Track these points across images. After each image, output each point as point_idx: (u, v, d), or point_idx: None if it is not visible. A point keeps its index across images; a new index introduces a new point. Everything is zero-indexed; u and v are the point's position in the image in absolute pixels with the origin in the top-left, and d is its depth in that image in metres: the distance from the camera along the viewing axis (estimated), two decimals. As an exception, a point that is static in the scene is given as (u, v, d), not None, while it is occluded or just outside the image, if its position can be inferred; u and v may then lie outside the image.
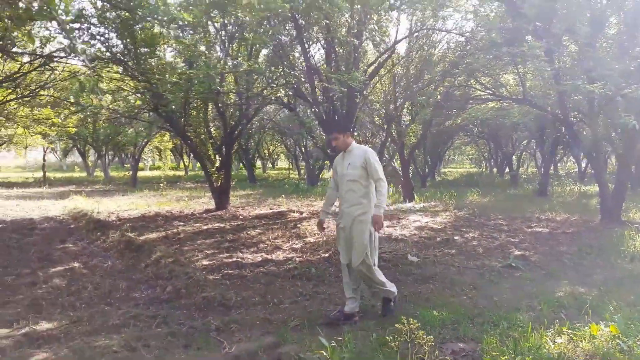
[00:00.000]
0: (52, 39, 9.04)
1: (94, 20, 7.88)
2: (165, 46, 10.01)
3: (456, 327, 3.93)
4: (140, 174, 26.62)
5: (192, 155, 35.53)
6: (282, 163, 54.46)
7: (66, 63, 8.98)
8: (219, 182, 12.23)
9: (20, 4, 4.95)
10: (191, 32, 9.74)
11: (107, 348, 3.64)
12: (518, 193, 17.43)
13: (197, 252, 7.35)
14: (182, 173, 32.40)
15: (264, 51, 10.95)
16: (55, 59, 7.69)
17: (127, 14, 6.91)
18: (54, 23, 6.74)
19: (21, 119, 12.52)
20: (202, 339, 3.88)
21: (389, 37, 6.94)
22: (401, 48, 7.03)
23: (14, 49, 7.35)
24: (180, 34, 9.97)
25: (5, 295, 5.10)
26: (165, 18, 5.34)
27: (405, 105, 7.31)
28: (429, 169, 23.31)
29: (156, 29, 8.57)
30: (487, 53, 7.63)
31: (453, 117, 11.77)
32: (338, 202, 4.52)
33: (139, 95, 9.93)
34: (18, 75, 8.66)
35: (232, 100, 10.35)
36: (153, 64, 7.66)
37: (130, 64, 8.86)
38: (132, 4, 5.27)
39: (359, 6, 5.71)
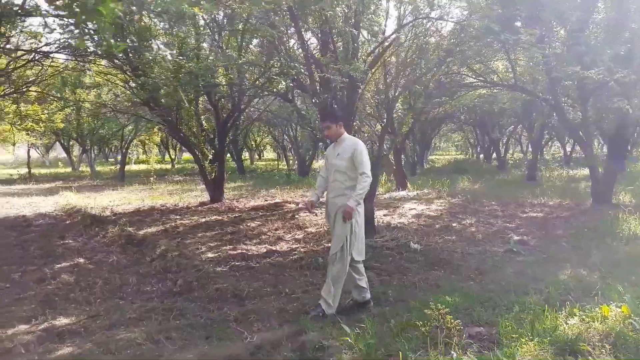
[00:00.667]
0: (40, 35, 8.90)
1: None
2: (156, 39, 9.90)
3: (470, 312, 4.03)
4: (126, 168, 26.33)
5: (178, 148, 35.27)
6: (268, 154, 54.30)
7: (54, 58, 8.79)
8: (213, 175, 12.19)
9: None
10: (182, 24, 9.66)
11: (130, 341, 3.67)
12: (507, 179, 17.69)
13: (200, 245, 7.36)
14: (168, 166, 32.12)
15: (255, 41, 10.94)
16: (46, 55, 7.52)
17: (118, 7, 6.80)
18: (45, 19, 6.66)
19: (7, 116, 12.28)
20: (222, 329, 3.93)
21: (385, 27, 6.99)
22: (398, 37, 7.07)
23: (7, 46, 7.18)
24: (168, 27, 9.88)
25: (16, 292, 5.08)
26: (158, 9, 5.28)
27: (401, 95, 7.37)
28: (417, 157, 23.49)
29: (146, 21, 8.46)
30: (481, 40, 7.71)
31: (443, 104, 11.87)
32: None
33: (128, 89, 9.81)
34: (9, 71, 8.48)
35: (225, 92, 10.29)
36: (148, 57, 7.56)
37: (119, 58, 8.73)
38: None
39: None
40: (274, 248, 6.95)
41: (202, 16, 10.49)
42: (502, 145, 25.71)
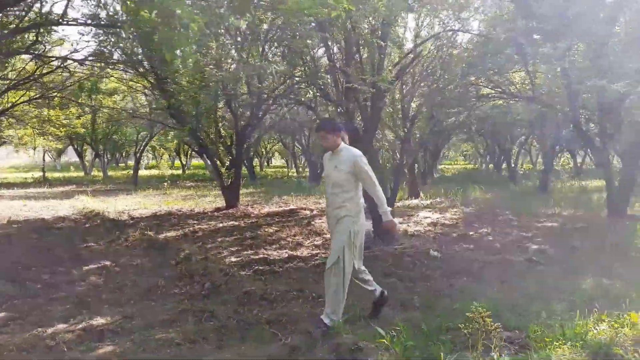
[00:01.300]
0: (61, 42, 9.10)
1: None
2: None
3: (498, 318, 4.09)
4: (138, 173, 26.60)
5: (189, 154, 35.54)
6: (276, 161, 54.56)
7: (88, 66, 9.02)
8: (229, 181, 12.34)
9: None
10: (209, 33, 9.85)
11: (168, 341, 3.78)
12: (519, 189, 17.72)
13: (221, 249, 7.48)
14: (179, 172, 32.38)
15: (275, 50, 11.11)
16: (79, 61, 7.73)
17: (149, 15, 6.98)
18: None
19: (31, 120, 12.54)
20: (255, 331, 4.03)
21: (412, 39, 7.10)
22: (422, 48, 7.19)
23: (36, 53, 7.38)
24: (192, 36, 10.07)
25: (49, 293, 5.21)
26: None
27: (423, 105, 7.47)
28: (428, 166, 23.55)
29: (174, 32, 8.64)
30: (504, 53, 7.83)
31: (460, 115, 11.99)
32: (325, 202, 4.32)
33: (151, 97, 10.02)
34: (37, 76, 8.69)
35: (248, 101, 10.47)
36: (178, 67, 7.72)
37: (144, 66, 8.89)
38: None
39: (383, 9, 5.85)
40: (295, 253, 7.06)
41: (226, 25, 10.72)
42: (513, 156, 25.69)
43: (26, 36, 6.47)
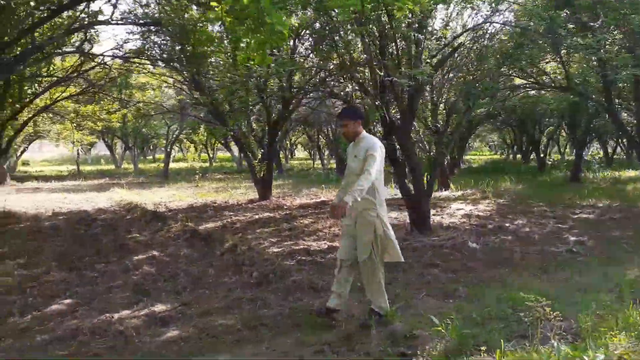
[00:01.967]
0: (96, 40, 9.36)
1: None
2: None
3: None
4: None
5: (216, 147, 36.03)
6: (299, 153, 54.78)
7: (132, 62, 9.32)
8: (262, 174, 12.56)
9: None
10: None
11: (229, 327, 3.98)
12: (550, 180, 17.52)
13: (261, 240, 7.68)
14: (206, 165, 32.86)
15: (306, 44, 11.24)
16: (125, 58, 8.02)
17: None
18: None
19: (69, 115, 12.99)
20: (309, 319, 4.19)
21: (451, 31, 7.13)
22: (460, 40, 7.22)
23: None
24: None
25: (106, 281, 5.48)
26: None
27: (460, 97, 7.50)
28: (455, 157, 23.39)
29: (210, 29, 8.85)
30: (537, 43, 7.78)
31: (490, 106, 11.92)
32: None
33: (188, 92, 10.27)
34: (80, 72, 9.03)
35: (277, 94, 10.65)
36: (212, 64, 7.93)
37: (181, 64, 9.08)
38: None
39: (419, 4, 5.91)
40: (333, 244, 7.20)
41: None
42: (542, 146, 25.32)
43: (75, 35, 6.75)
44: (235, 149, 30.45)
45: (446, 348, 3.33)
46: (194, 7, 7.07)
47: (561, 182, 16.65)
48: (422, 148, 7.33)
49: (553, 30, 6.44)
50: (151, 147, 38.22)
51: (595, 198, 11.64)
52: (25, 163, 28.37)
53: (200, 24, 6.77)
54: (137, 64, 9.60)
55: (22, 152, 22.42)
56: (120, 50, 8.26)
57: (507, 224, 8.65)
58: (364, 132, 4.06)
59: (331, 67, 8.45)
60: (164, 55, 8.68)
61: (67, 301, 4.75)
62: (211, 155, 32.80)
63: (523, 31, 7.24)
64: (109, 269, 5.97)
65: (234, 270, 5.84)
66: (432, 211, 10.28)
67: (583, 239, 7.26)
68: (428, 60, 6.47)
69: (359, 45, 7.18)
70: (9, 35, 4.68)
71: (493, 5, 6.64)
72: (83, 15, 5.87)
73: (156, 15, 6.50)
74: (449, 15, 7.03)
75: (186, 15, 6.79)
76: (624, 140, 20.57)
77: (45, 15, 5.18)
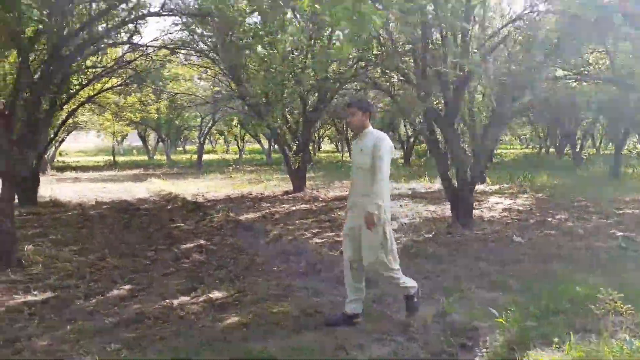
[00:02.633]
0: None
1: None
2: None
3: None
4: (195, 157, 27.59)
5: (245, 139, 36.34)
6: (325, 146, 54.79)
7: (175, 54, 9.54)
8: (297, 165, 12.65)
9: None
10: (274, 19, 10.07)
11: (286, 314, 4.06)
12: (588, 174, 17.11)
13: (303, 231, 7.77)
14: (236, 157, 33.21)
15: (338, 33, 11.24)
16: (172, 49, 8.21)
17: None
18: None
19: (110, 107, 13.34)
20: (365, 307, 4.23)
21: (497, 20, 7.04)
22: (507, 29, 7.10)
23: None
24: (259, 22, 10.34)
25: (159, 268, 5.65)
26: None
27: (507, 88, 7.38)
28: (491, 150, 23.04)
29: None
30: (584, 33, 7.59)
31: (529, 98, 11.69)
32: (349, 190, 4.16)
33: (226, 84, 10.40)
34: (124, 63, 9.26)
35: (333, 87, 10.68)
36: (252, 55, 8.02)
37: (225, 55, 9.18)
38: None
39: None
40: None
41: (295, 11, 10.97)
42: (578, 140, 24.69)
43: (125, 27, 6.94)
44: (265, 141, 30.69)
45: (508, 340, 3.34)
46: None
47: (600, 176, 16.25)
48: (468, 140, 7.24)
49: (604, 19, 6.26)
50: (181, 139, 38.81)
51: (638, 193, 11.34)
52: (61, 153, 29.21)
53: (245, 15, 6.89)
54: (183, 55, 9.82)
55: (60, 143, 23.09)
56: (163, 41, 8.43)
57: (549, 219, 8.52)
58: (371, 127, 3.96)
59: (370, 57, 8.41)
60: (208, 46, 8.81)
61: (127, 287, 4.93)
62: (240, 147, 33.08)
63: (572, 20, 7.06)
64: (160, 257, 6.15)
65: (281, 260, 5.94)
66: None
67: (632, 235, 7.09)
68: (475, 50, 6.40)
69: (403, 35, 7.11)
70: (70, 29, 4.86)
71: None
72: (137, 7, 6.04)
73: (203, 6, 6.62)
74: (499, 3, 6.91)
75: (233, 6, 6.90)
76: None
77: (104, 7, 5.34)
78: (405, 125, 28.12)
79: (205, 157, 34.35)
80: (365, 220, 3.69)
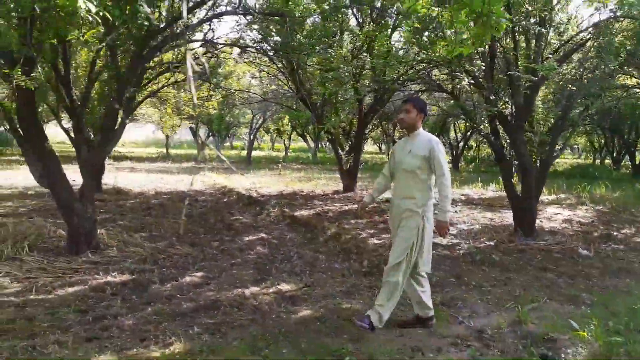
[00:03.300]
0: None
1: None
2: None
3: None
4: (243, 153, 28.11)
5: (292, 137, 36.78)
6: (368, 147, 54.56)
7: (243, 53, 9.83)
8: (348, 165, 12.69)
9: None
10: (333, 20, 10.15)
11: (357, 311, 4.12)
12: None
13: (359, 230, 7.80)
14: (282, 154, 33.65)
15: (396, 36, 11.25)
16: (242, 47, 8.45)
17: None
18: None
19: (170, 101, 13.81)
20: (435, 311, 4.22)
21: (573, 26, 6.84)
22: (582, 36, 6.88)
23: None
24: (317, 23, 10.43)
25: (226, 258, 5.83)
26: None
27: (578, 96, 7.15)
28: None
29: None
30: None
31: (593, 106, 11.28)
32: (391, 192, 4.05)
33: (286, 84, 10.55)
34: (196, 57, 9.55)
35: (370, 87, 10.70)
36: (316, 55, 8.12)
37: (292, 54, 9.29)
38: None
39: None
40: (434, 240, 7.17)
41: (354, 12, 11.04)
42: (638, 151, 23.58)
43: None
44: (310, 140, 30.91)
45: (593, 354, 3.26)
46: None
47: (664, 190, 15.46)
48: (534, 147, 7.07)
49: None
50: (229, 135, 39.63)
51: None
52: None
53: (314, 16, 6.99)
54: (253, 52, 10.12)
55: (119, 133, 23.97)
56: (229, 39, 8.67)
57: (614, 232, 8.20)
58: (422, 129, 3.87)
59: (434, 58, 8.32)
60: (270, 45, 9.01)
61: (199, 274, 5.12)
62: (287, 145, 33.48)
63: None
64: (225, 247, 6.34)
65: (342, 258, 6.00)
66: (528, 214, 9.97)
67: None
68: (549, 55, 6.24)
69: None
70: (158, 24, 5.10)
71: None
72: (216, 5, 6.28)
73: (274, 6, 6.80)
74: (576, 8, 6.71)
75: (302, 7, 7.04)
76: None
77: (192, 4, 5.56)
78: (455, 130, 27.68)
79: (253, 153, 35.04)
80: (441, 231, 3.76)
